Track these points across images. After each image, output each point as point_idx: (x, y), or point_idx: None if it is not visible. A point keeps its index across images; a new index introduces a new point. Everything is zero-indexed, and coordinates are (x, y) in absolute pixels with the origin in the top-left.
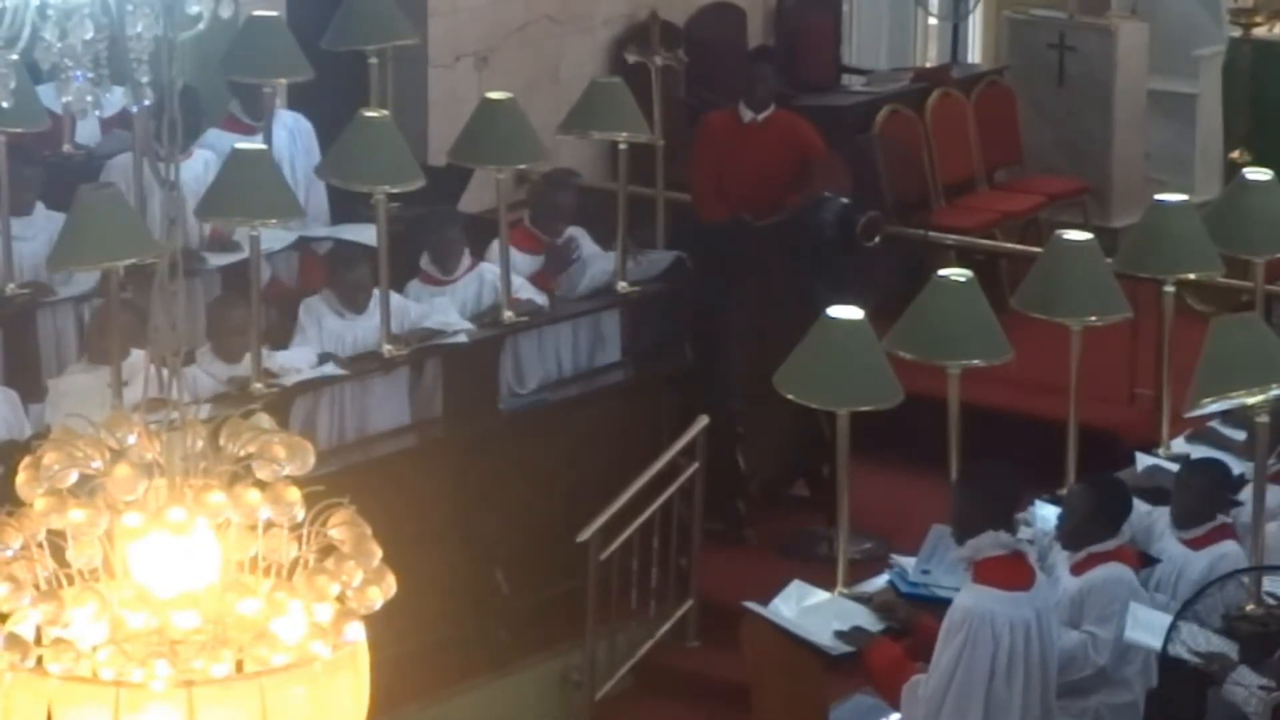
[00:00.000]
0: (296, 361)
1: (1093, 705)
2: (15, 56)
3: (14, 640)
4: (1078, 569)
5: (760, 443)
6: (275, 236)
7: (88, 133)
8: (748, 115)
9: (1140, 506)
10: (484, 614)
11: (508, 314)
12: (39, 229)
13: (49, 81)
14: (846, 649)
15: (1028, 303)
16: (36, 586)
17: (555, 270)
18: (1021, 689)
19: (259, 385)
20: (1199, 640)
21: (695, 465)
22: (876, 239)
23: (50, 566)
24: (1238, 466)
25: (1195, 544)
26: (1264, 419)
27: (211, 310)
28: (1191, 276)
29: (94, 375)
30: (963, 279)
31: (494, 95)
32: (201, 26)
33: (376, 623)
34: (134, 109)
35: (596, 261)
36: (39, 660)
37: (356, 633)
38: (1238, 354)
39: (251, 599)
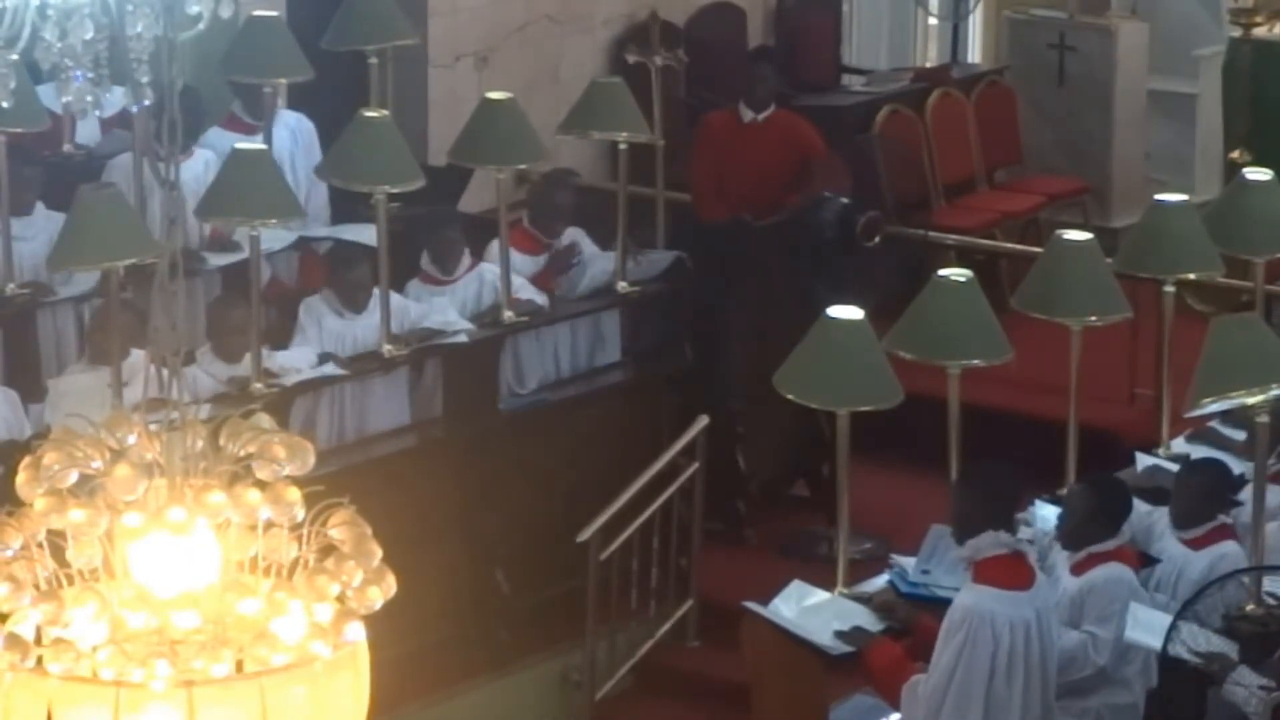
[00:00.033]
0: (296, 361)
1: (1094, 706)
2: (15, 56)
3: (14, 640)
4: (1078, 569)
5: (760, 443)
6: (275, 236)
7: (88, 133)
8: (748, 115)
9: (1140, 506)
10: (484, 614)
11: (508, 314)
12: (39, 229)
13: (49, 81)
14: (846, 649)
15: (1028, 303)
16: (36, 586)
17: (555, 273)
18: (1021, 689)
19: (259, 385)
20: (1199, 640)
21: (695, 465)
22: (876, 239)
23: (50, 566)
24: (1238, 466)
25: (1195, 544)
26: (1264, 419)
27: (211, 310)
28: (1191, 276)
29: (94, 375)
30: (963, 279)
31: (494, 95)
32: (201, 26)
33: (376, 623)
34: (134, 109)
35: (596, 261)
36: (39, 660)
37: (356, 633)
38: (1238, 354)
39: (251, 599)
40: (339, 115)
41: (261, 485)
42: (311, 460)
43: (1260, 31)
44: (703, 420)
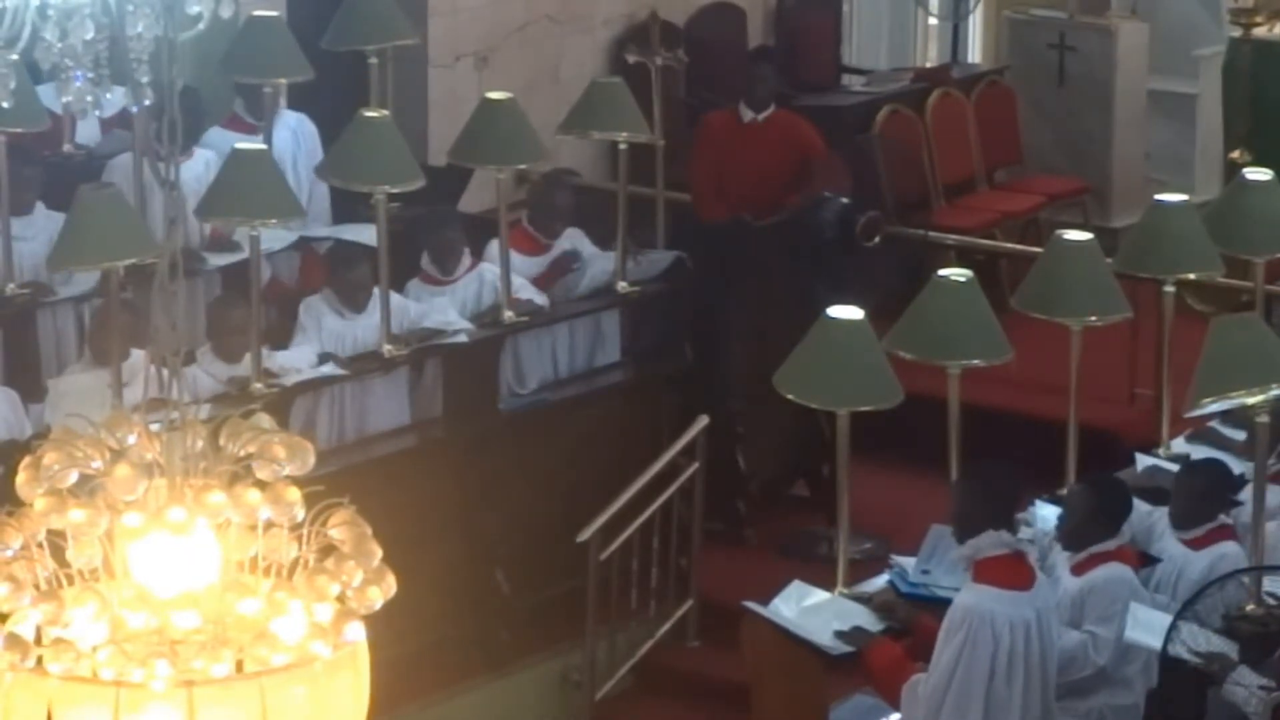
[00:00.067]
0: (296, 361)
1: (1096, 706)
2: (15, 56)
3: (14, 640)
4: (1078, 569)
5: (760, 443)
6: (275, 236)
7: (88, 133)
8: (748, 115)
9: (1140, 506)
10: (484, 614)
11: (508, 314)
12: (39, 229)
13: (49, 81)
14: (846, 649)
15: (1028, 303)
16: (36, 586)
17: (555, 279)
18: (1021, 689)
19: (259, 385)
20: (1199, 640)
21: (695, 465)
22: (876, 239)
23: (50, 566)
24: (1238, 466)
25: (1195, 544)
26: (1264, 419)
27: (211, 310)
28: (1191, 276)
29: (94, 375)
30: (963, 279)
31: (494, 95)
32: (201, 26)
33: (376, 623)
34: (134, 109)
35: (596, 261)
36: (39, 660)
37: (356, 633)
38: (1238, 354)
39: (251, 599)
40: (339, 115)
41: (261, 485)
42: (311, 460)
43: (1260, 31)
44: (703, 420)
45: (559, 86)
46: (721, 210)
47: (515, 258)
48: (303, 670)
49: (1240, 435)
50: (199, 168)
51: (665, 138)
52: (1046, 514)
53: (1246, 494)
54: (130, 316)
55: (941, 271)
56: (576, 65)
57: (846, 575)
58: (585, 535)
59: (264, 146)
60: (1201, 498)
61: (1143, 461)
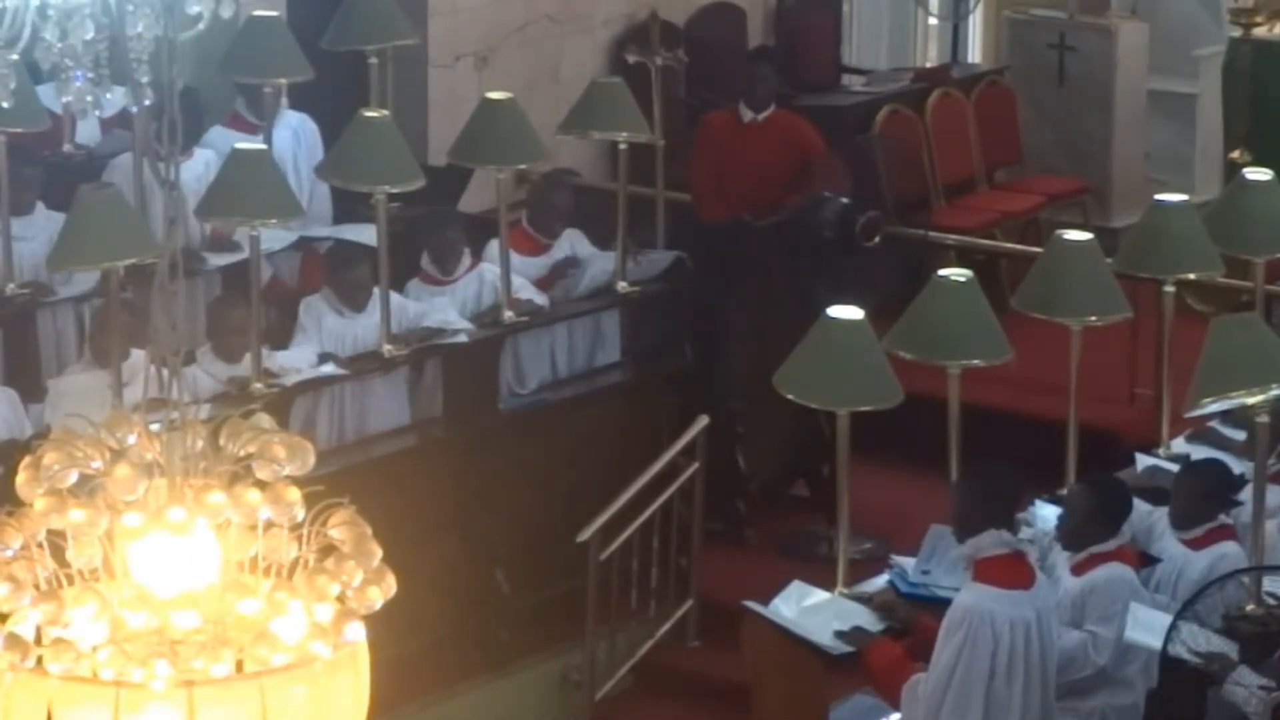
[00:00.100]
0: (296, 361)
1: (1096, 706)
2: (15, 56)
3: (14, 640)
4: (1078, 569)
5: (760, 443)
6: (276, 236)
7: (88, 133)
8: (748, 115)
9: (1140, 506)
10: (484, 614)
11: (508, 314)
12: (39, 229)
13: (49, 81)
14: (846, 649)
15: (1028, 303)
16: (36, 586)
17: (554, 281)
18: (1021, 688)
19: (259, 385)
20: (1199, 640)
21: (695, 465)
22: (876, 239)
23: (50, 566)
24: (1238, 466)
25: (1195, 544)
26: (1264, 419)
27: (211, 310)
28: (1191, 276)
29: (94, 375)
30: (963, 279)
31: (494, 95)
32: (201, 26)
33: (376, 623)
34: (134, 109)
35: (596, 261)
36: (39, 660)
37: (356, 633)
38: (1238, 354)
39: (251, 599)
40: (339, 115)
41: (261, 485)
42: (311, 460)
43: (1260, 31)
44: (703, 420)
45: (559, 86)
46: (721, 210)
47: (515, 258)
48: (303, 670)
49: (1240, 435)
50: (199, 168)
51: (665, 138)
52: (1046, 514)
53: (1246, 494)
54: (130, 316)
55: (941, 271)
56: (576, 65)
57: (846, 575)
58: (585, 535)
59: (264, 146)
60: (1201, 498)
61: (1143, 461)
